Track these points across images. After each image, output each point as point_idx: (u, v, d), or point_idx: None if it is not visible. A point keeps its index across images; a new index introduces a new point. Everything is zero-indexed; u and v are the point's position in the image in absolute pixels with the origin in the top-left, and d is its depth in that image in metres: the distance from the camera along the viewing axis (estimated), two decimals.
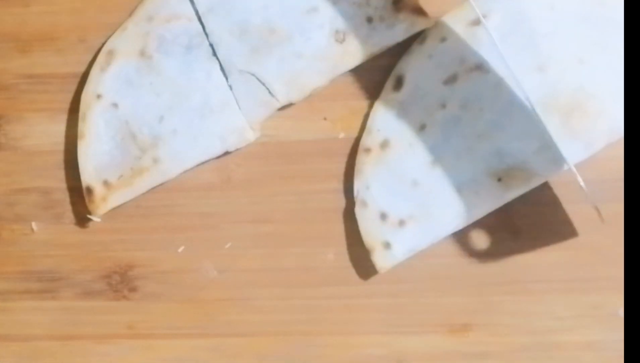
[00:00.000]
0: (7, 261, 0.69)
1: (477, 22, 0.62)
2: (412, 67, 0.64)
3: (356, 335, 0.66)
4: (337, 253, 0.66)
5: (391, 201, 0.63)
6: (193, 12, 0.66)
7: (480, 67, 0.63)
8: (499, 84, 0.63)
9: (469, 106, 0.63)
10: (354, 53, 0.64)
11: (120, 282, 0.68)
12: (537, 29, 0.62)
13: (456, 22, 0.64)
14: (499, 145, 0.62)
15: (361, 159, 0.64)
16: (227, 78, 0.65)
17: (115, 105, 0.66)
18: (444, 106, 0.63)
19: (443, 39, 0.63)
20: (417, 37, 0.64)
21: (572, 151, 0.61)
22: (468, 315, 0.65)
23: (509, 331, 0.64)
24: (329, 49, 0.64)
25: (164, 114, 0.65)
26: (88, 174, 0.66)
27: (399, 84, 0.64)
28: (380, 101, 0.64)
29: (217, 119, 0.65)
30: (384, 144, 0.64)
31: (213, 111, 0.65)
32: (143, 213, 0.67)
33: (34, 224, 0.69)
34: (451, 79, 0.63)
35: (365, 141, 0.64)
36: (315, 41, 0.64)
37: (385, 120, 0.64)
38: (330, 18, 0.64)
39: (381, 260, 0.63)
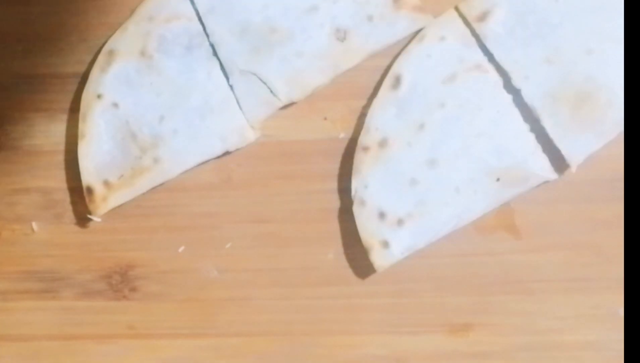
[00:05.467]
0: (7, 261, 0.69)
1: (481, 18, 0.62)
2: (411, 66, 0.64)
3: (356, 335, 0.66)
4: (337, 253, 0.66)
5: (389, 199, 0.63)
6: (193, 12, 0.66)
7: (480, 66, 0.63)
8: (498, 83, 0.63)
9: (468, 105, 0.63)
10: (354, 51, 0.64)
11: (120, 282, 0.68)
12: (543, 20, 0.62)
13: (460, 18, 0.64)
14: (498, 144, 0.62)
15: (359, 157, 0.64)
16: (228, 78, 0.65)
17: (115, 105, 0.66)
18: (443, 105, 0.63)
19: (442, 38, 0.63)
20: (416, 36, 0.64)
21: (583, 143, 0.61)
22: (468, 315, 0.65)
23: (509, 331, 0.64)
24: (329, 48, 0.64)
25: (165, 114, 0.66)
26: (88, 174, 0.66)
27: (397, 82, 0.64)
28: (379, 100, 0.64)
29: (218, 119, 0.65)
30: (383, 143, 0.64)
31: (213, 111, 0.65)
32: (143, 213, 0.67)
33: (34, 224, 0.69)
34: (450, 79, 0.63)
35: (364, 139, 0.64)
36: (316, 40, 0.64)
37: (383, 119, 0.64)
38: (330, 16, 0.64)
39: (379, 259, 0.63)
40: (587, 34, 0.62)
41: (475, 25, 0.63)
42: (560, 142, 0.62)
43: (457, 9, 0.64)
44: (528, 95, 0.62)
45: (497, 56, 0.63)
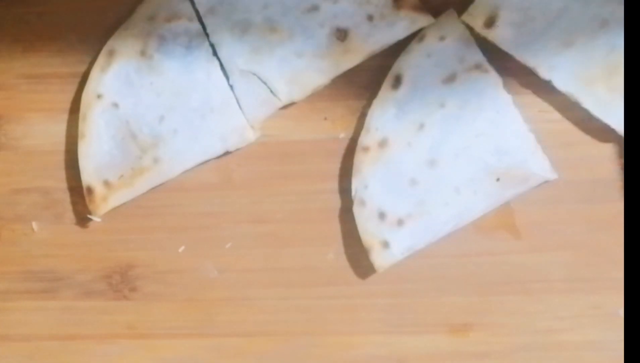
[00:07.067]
0: (7, 261, 0.69)
1: (488, 24, 0.62)
2: (411, 66, 0.64)
3: (356, 335, 0.66)
4: (337, 253, 0.66)
5: (389, 200, 0.63)
6: (193, 12, 0.66)
7: (480, 66, 0.63)
8: (498, 83, 0.63)
9: (468, 105, 0.63)
10: (355, 51, 0.64)
11: (120, 282, 0.68)
12: (548, 8, 0.61)
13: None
14: (498, 144, 0.62)
15: (359, 158, 0.64)
16: (228, 78, 0.65)
17: (115, 105, 0.66)
18: (443, 105, 0.63)
19: (442, 38, 0.63)
20: (415, 36, 0.64)
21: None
22: (468, 315, 0.65)
23: (509, 331, 0.65)
24: (330, 48, 0.64)
25: (165, 114, 0.65)
26: (88, 174, 0.66)
27: (397, 82, 0.64)
28: (379, 100, 0.64)
29: (218, 119, 0.65)
30: (383, 143, 0.64)
31: (213, 111, 0.65)
32: (143, 213, 0.67)
33: (34, 224, 0.69)
34: (450, 78, 0.63)
35: (364, 139, 0.64)
36: (316, 40, 0.64)
37: (383, 119, 0.64)
38: (331, 16, 0.64)
39: (379, 259, 0.63)
40: (596, 7, 0.61)
41: (485, 33, 0.62)
42: (607, 117, 0.61)
43: (462, 21, 0.63)
44: (559, 83, 0.61)
45: (517, 56, 0.62)
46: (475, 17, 0.63)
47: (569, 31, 0.61)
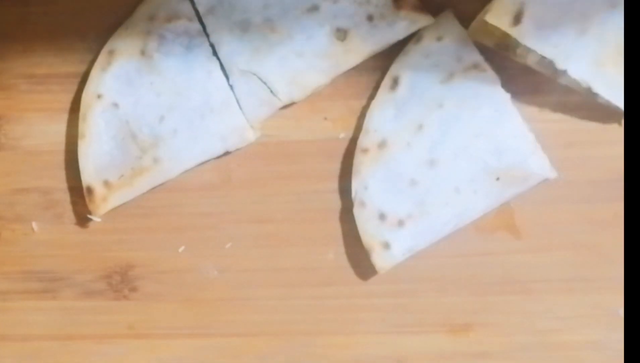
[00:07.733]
0: (7, 261, 0.69)
1: (516, 22, 0.60)
2: (408, 67, 0.64)
3: (356, 335, 0.66)
4: (337, 253, 0.66)
5: (390, 201, 0.63)
6: (193, 12, 0.66)
7: (478, 65, 0.63)
8: (495, 82, 0.62)
9: (467, 104, 0.63)
10: (355, 51, 0.64)
11: (120, 282, 0.68)
12: None
13: (456, 19, 0.63)
14: (497, 144, 0.62)
15: (359, 159, 0.64)
16: (228, 78, 0.65)
17: (115, 105, 0.66)
18: (441, 105, 0.63)
19: (439, 38, 0.63)
20: (413, 37, 0.64)
21: None
22: (468, 315, 0.65)
23: (509, 331, 0.65)
24: (330, 48, 0.64)
25: (165, 114, 0.65)
26: (88, 174, 0.66)
27: (395, 83, 0.64)
28: (377, 101, 0.64)
29: (218, 119, 0.65)
30: (382, 144, 0.64)
31: (213, 111, 0.65)
32: (143, 213, 0.67)
33: (34, 224, 0.69)
34: (448, 78, 0.63)
35: (363, 141, 0.64)
36: (316, 40, 0.64)
37: (382, 120, 0.64)
38: (331, 16, 0.64)
39: (380, 260, 0.63)
40: None
41: (512, 31, 0.61)
42: (618, 101, 0.61)
43: (486, 22, 0.61)
44: (575, 72, 0.61)
45: (539, 50, 0.61)
46: (501, 17, 0.61)
47: (583, 17, 0.60)
